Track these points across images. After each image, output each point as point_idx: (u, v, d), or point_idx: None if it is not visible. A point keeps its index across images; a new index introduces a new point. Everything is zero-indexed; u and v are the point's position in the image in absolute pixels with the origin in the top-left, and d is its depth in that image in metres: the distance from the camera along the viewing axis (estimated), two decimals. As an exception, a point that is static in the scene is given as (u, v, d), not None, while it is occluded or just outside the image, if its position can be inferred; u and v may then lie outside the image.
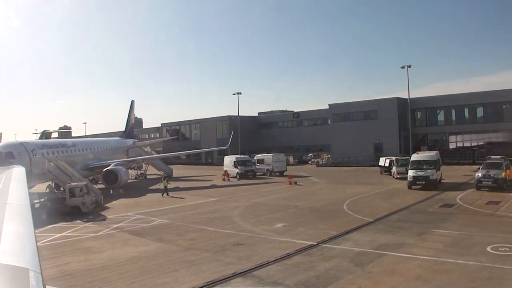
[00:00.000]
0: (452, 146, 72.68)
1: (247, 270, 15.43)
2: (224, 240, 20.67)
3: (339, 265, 15.69)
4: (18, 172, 6.98)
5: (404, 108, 65.74)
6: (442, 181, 39.68)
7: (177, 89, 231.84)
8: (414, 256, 16.37)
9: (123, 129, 73.72)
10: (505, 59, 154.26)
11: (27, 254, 3.08)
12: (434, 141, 68.81)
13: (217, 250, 18.83)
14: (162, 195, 38.61)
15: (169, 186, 39.89)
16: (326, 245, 18.71)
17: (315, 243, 18.91)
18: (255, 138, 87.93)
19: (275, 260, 16.48)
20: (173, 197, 38.09)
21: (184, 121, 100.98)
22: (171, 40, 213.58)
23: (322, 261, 16.25)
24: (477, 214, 24.97)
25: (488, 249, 16.85)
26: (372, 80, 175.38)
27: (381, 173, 50.42)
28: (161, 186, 40.23)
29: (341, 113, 73.83)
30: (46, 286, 2.82)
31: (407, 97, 62.35)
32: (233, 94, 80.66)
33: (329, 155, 74.25)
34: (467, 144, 79.58)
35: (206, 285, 14.00)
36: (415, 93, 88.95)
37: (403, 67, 61.23)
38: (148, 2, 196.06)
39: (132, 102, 73.48)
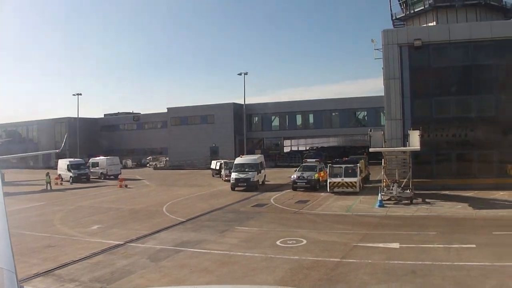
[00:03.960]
0: (287, 149, 78.36)
1: (49, 270, 15.87)
2: (37, 243, 20.55)
3: (137, 261, 16.77)
4: None
5: (241, 113, 69.29)
6: (267, 182, 42.45)
7: (18, 87, 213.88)
8: (209, 251, 18.01)
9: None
10: (344, 71, 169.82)
11: (1, 253, 3.04)
12: (276, 145, 73.23)
13: (27, 252, 18.66)
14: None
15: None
16: (132, 244, 19.66)
17: (122, 243, 19.76)
18: (96, 140, 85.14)
19: (79, 260, 17.07)
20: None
21: (20, 122, 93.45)
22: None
23: (122, 259, 17.20)
24: (282, 212, 27.57)
25: (278, 242, 18.95)
26: (219, 86, 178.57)
27: (213, 176, 52.21)
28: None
29: (179, 117, 74.91)
30: (24, 287, 2.92)
31: (249, 102, 66.31)
32: (73, 94, 78.70)
33: (167, 158, 75.10)
34: (301, 148, 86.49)
35: (5, 286, 14.38)
36: (261, 99, 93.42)
37: (240, 74, 65.02)
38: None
39: None
